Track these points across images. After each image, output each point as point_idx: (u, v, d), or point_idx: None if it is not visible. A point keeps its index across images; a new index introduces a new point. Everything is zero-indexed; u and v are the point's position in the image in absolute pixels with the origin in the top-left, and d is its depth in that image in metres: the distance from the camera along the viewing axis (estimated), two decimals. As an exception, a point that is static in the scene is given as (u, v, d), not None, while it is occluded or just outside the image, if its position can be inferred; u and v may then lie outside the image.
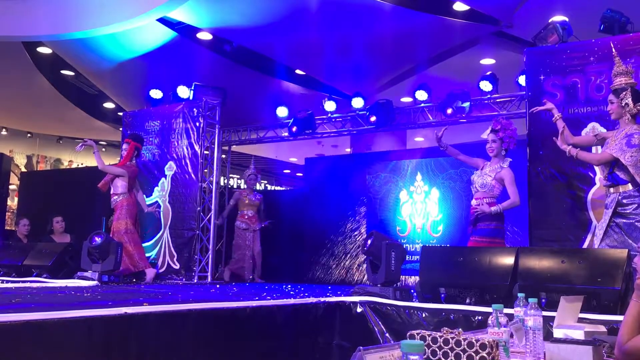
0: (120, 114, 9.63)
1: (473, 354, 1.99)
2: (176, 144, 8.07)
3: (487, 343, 1.98)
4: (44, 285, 5.75)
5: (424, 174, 8.45)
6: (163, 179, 8.13)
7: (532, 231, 5.66)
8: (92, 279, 6.06)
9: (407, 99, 9.11)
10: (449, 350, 2.03)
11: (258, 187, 13.99)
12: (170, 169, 8.08)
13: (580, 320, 2.99)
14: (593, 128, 5.41)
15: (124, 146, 7.23)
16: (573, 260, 4.19)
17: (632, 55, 5.28)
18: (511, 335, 2.22)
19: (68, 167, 16.60)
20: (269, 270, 8.46)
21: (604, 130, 5.19)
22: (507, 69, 7.57)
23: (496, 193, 5.42)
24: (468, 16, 7.53)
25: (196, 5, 7.54)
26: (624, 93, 4.38)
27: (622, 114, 4.41)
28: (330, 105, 8.32)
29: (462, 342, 2.01)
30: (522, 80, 6.46)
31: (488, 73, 7.18)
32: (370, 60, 8.80)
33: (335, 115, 8.42)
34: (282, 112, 8.62)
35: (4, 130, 14.69)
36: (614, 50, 4.62)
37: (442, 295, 4.53)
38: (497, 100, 7.11)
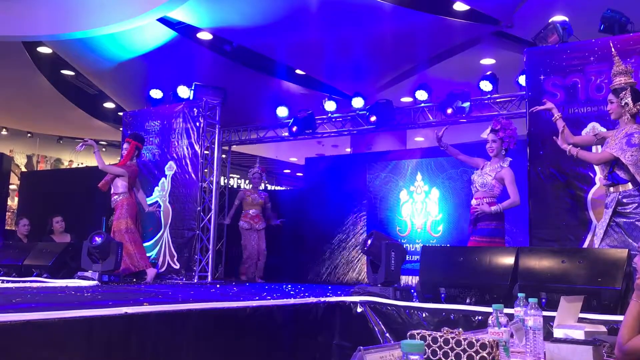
0: (121, 113, 9.62)
1: (473, 353, 1.99)
2: (176, 143, 8.07)
3: (487, 343, 1.99)
4: (44, 285, 5.74)
5: (424, 174, 8.45)
6: (163, 178, 8.13)
7: (532, 231, 5.66)
8: (93, 279, 6.05)
9: (407, 99, 9.11)
10: (449, 350, 2.03)
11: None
12: (170, 168, 8.08)
13: (581, 320, 2.99)
14: (593, 128, 5.41)
15: (125, 146, 7.23)
16: (573, 260, 4.18)
17: (632, 55, 5.28)
18: (511, 335, 2.22)
19: (68, 167, 16.59)
20: (269, 270, 8.47)
21: (604, 130, 5.19)
22: (507, 69, 7.58)
23: (496, 193, 5.42)
24: (468, 16, 7.54)
25: (196, 5, 7.54)
26: (623, 92, 4.38)
27: (621, 114, 4.41)
28: (330, 105, 8.33)
29: (463, 342, 2.02)
30: (522, 80, 6.47)
31: (488, 73, 7.18)
32: (370, 60, 8.81)
33: (335, 115, 8.42)
34: (282, 112, 8.62)
35: (4, 130, 14.70)
36: (613, 49, 4.63)
37: (442, 295, 4.52)
38: (497, 100, 7.11)
